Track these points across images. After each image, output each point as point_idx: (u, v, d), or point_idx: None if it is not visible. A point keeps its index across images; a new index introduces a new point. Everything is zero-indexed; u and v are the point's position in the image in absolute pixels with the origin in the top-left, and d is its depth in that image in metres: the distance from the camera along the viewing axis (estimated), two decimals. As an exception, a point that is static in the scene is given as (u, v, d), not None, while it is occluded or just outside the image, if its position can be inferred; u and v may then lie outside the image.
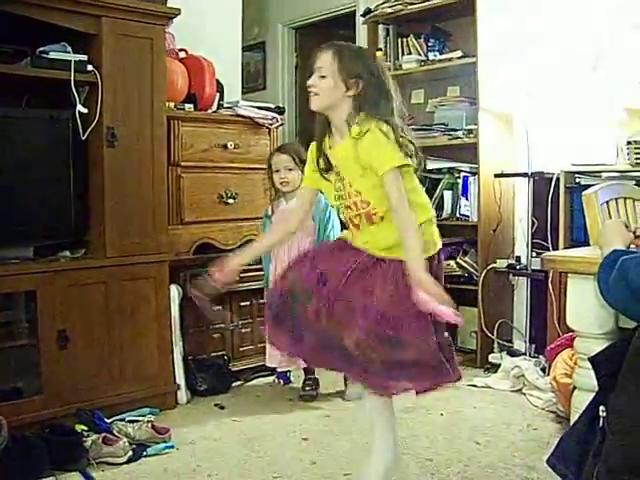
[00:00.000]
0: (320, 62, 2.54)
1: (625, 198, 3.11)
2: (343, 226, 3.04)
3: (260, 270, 4.23)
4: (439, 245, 2.63)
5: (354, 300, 2.51)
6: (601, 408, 1.82)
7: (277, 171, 4.03)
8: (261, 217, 4.28)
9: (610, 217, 2.94)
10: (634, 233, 2.29)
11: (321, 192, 2.76)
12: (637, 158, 3.84)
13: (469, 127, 4.83)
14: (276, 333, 2.68)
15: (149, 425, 3.39)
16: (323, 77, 2.52)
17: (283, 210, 4.00)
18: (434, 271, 2.51)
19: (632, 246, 2.26)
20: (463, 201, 4.85)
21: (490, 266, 4.71)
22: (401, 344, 2.46)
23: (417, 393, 2.55)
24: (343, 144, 2.55)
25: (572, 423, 2.26)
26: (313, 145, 2.70)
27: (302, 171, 3.88)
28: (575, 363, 2.72)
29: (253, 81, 7.10)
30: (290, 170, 3.98)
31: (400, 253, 2.49)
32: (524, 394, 4.13)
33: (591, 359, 1.96)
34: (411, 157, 2.51)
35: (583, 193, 2.95)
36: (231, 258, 2.78)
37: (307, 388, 4.19)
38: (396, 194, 2.47)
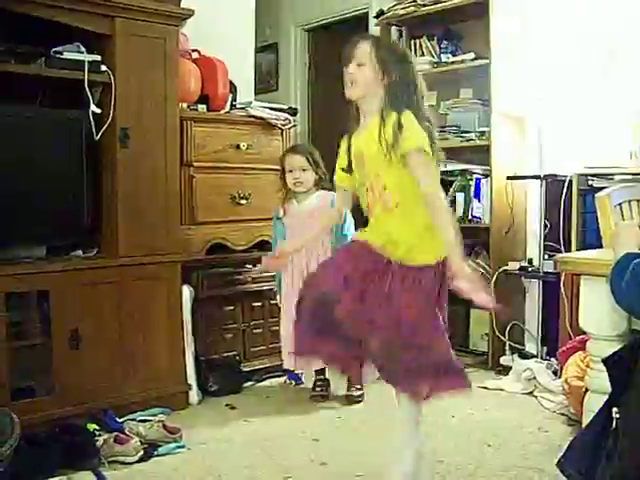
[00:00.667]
0: (358, 51, 2.59)
1: (638, 200, 3.10)
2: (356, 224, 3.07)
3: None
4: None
5: (375, 308, 2.53)
6: (614, 410, 1.81)
7: (290, 171, 4.02)
8: (271, 218, 4.29)
9: (623, 219, 2.93)
10: None
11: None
12: (650, 161, 3.82)
13: (482, 129, 4.83)
14: (308, 339, 2.66)
15: (160, 425, 3.39)
16: (361, 65, 2.58)
17: (299, 213, 4.00)
18: (440, 276, 2.55)
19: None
20: (475, 203, 4.84)
21: (502, 268, 4.70)
22: (422, 349, 2.51)
23: (438, 395, 2.59)
24: (370, 126, 2.58)
25: (584, 426, 2.26)
26: (344, 142, 2.74)
27: (315, 172, 3.91)
28: (587, 365, 2.71)
29: (265, 82, 7.10)
30: (304, 170, 3.97)
31: (419, 258, 2.53)
32: (536, 397, 4.12)
33: (604, 361, 1.96)
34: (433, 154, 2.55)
35: (596, 195, 2.94)
36: (283, 246, 2.96)
37: (318, 389, 4.18)
38: (425, 176, 2.51)
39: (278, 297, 4.20)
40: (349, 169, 2.72)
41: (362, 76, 2.58)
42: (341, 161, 2.78)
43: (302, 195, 4.01)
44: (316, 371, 4.19)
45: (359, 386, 4.08)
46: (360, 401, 4.04)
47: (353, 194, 2.82)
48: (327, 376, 4.19)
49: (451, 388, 2.61)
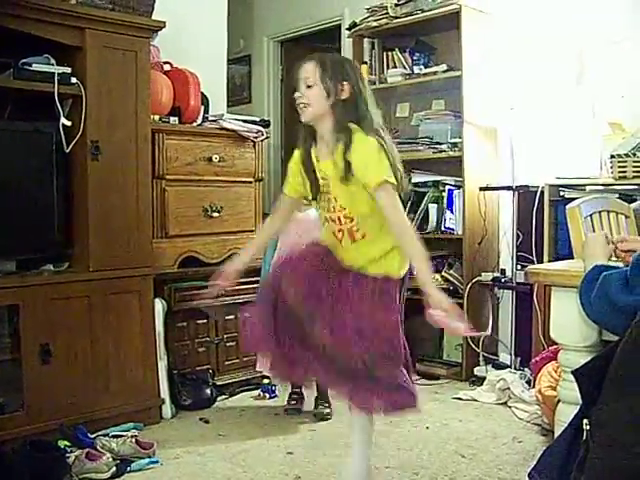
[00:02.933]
0: (305, 73, 2.58)
1: (608, 211, 3.12)
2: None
3: (244, 284, 4.23)
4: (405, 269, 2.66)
5: (346, 322, 2.55)
6: (585, 421, 1.81)
7: None
8: (246, 230, 4.28)
9: (594, 230, 2.95)
10: (615, 245, 2.30)
11: (306, 199, 2.80)
12: (620, 172, 3.84)
13: (454, 140, 4.85)
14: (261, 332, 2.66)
15: (133, 440, 3.36)
16: (310, 87, 2.57)
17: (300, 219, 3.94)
18: (400, 290, 2.61)
19: (613, 258, 2.26)
20: (448, 214, 4.86)
21: (475, 279, 4.72)
22: (392, 358, 2.55)
23: (394, 411, 2.62)
24: (331, 157, 2.57)
25: (555, 436, 2.26)
26: (297, 155, 2.73)
27: None
28: (560, 376, 2.72)
29: (238, 94, 7.10)
30: None
31: (382, 268, 2.56)
32: (509, 407, 4.14)
33: (574, 372, 1.96)
34: (395, 177, 2.53)
35: (567, 206, 2.96)
36: (231, 263, 2.90)
37: (292, 402, 4.17)
38: (392, 208, 2.50)
39: None
40: (310, 191, 2.69)
41: (313, 96, 2.57)
42: (294, 179, 2.75)
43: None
44: (292, 385, 4.17)
45: (327, 403, 4.06)
46: (328, 418, 4.00)
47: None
48: (302, 390, 4.18)
49: (404, 406, 2.61)
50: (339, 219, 2.60)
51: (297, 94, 2.59)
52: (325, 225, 2.70)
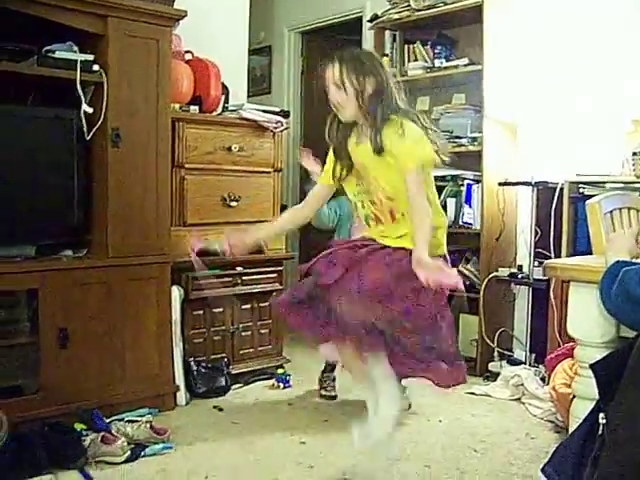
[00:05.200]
0: (331, 77, 2.65)
1: (629, 208, 3.11)
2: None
3: (261, 274, 4.25)
4: (444, 250, 2.73)
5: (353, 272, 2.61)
6: (601, 415, 1.82)
7: None
8: (264, 220, 4.28)
9: (613, 227, 2.94)
10: None
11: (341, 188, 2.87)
12: (642, 169, 3.83)
13: (474, 135, 4.84)
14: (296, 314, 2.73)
15: (148, 425, 3.38)
16: (340, 88, 2.63)
17: None
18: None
19: (638, 259, 2.25)
20: (466, 209, 4.85)
21: (492, 274, 4.71)
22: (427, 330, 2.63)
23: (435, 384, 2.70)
24: (370, 143, 2.64)
25: (570, 432, 2.26)
26: (332, 148, 2.81)
27: None
28: (575, 373, 2.72)
29: (259, 85, 7.10)
30: None
31: (406, 243, 2.62)
32: (523, 403, 4.13)
33: (592, 366, 1.96)
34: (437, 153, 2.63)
35: (587, 202, 2.95)
36: (244, 233, 2.93)
37: (329, 389, 4.22)
38: (415, 185, 2.57)
39: None
40: (343, 176, 2.79)
41: (343, 97, 2.64)
42: (330, 167, 2.84)
43: None
44: (323, 371, 4.23)
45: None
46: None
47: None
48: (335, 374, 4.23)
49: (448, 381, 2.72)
50: (380, 200, 2.69)
51: (331, 98, 2.67)
52: (363, 211, 2.78)
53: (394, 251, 2.63)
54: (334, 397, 4.19)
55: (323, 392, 4.22)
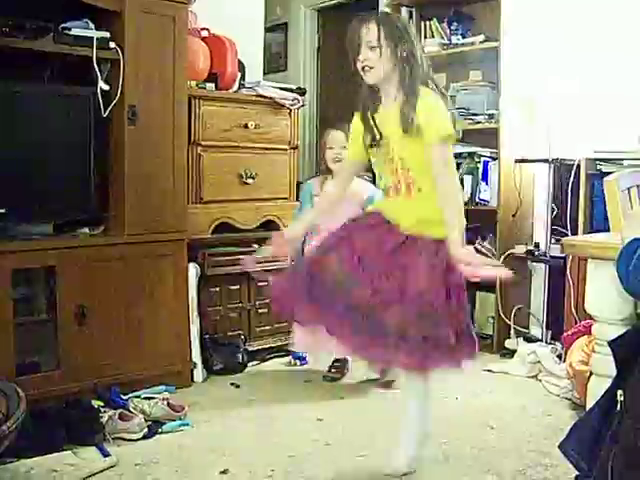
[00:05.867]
0: (367, 35, 2.59)
1: (647, 185, 3.08)
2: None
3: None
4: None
5: (392, 280, 2.57)
6: (619, 392, 1.81)
7: (331, 148, 4.02)
8: (280, 197, 4.29)
9: (631, 204, 2.92)
10: None
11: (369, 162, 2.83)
12: (660, 146, 3.80)
13: (490, 112, 4.81)
14: (307, 308, 2.68)
15: (165, 402, 3.40)
16: (373, 48, 2.58)
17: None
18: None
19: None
20: (483, 186, 4.83)
21: (509, 252, 4.69)
22: (439, 320, 2.56)
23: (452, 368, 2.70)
24: (393, 107, 2.61)
25: (588, 409, 2.26)
26: (357, 118, 2.77)
27: None
28: (592, 350, 2.71)
29: (275, 62, 7.08)
30: (344, 148, 3.92)
31: (432, 231, 2.58)
32: (540, 380, 4.13)
33: (610, 343, 1.96)
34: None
35: (604, 179, 2.93)
36: (284, 232, 2.96)
37: (333, 370, 4.19)
38: (444, 167, 2.57)
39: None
40: (372, 144, 2.73)
41: (376, 58, 2.59)
42: (356, 143, 2.81)
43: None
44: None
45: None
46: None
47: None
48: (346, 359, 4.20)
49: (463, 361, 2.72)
50: (397, 170, 2.65)
51: (360, 56, 2.61)
52: (382, 181, 2.75)
53: (425, 246, 2.59)
54: (337, 379, 4.15)
55: (326, 373, 4.19)
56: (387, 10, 5.46)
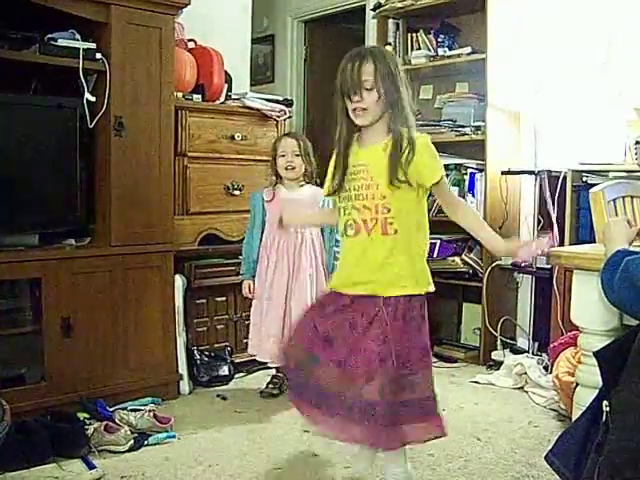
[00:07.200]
0: (365, 75, 2.40)
1: (632, 196, 3.10)
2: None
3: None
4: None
5: (366, 351, 2.40)
6: (604, 403, 1.82)
7: (283, 155, 3.93)
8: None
9: (617, 215, 2.94)
10: (638, 229, 2.29)
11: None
12: (645, 158, 3.82)
13: (477, 124, 4.82)
14: (300, 403, 2.60)
15: (151, 414, 3.39)
16: (369, 90, 2.40)
17: (293, 200, 3.89)
18: (418, 314, 2.44)
19: (636, 243, 2.25)
20: (469, 198, 4.84)
21: (495, 263, 4.70)
22: (414, 382, 2.40)
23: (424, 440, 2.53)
24: (378, 144, 2.46)
25: (574, 419, 2.26)
26: (335, 157, 2.57)
27: (306, 162, 3.90)
28: (578, 361, 2.72)
29: (262, 74, 7.10)
30: (297, 156, 3.90)
31: (407, 288, 2.42)
32: (526, 392, 4.13)
33: (596, 354, 1.96)
34: None
35: (590, 190, 2.95)
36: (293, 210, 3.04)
37: (270, 386, 4.11)
38: (450, 193, 2.59)
39: (248, 284, 4.04)
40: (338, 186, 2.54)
41: (372, 101, 2.41)
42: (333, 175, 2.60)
43: (291, 184, 3.96)
44: (275, 368, 4.11)
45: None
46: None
47: None
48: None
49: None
50: (376, 207, 2.43)
51: (355, 97, 2.41)
52: (344, 218, 2.52)
53: (395, 305, 2.40)
54: (275, 395, 4.06)
55: (264, 390, 4.11)
56: (374, 21, 5.48)
